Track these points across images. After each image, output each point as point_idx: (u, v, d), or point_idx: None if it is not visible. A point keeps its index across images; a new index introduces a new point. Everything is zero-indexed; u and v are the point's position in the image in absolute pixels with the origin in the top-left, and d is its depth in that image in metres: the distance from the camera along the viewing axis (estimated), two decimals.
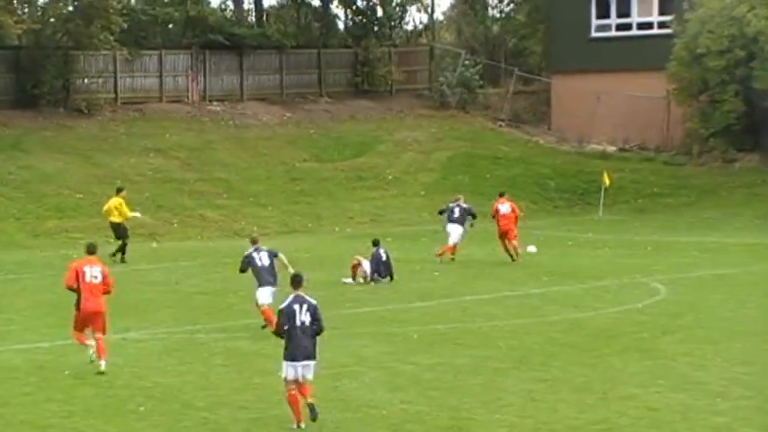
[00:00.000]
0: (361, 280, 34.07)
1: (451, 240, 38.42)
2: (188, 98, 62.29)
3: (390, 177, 57.51)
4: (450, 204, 39.49)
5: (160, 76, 61.97)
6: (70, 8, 58.39)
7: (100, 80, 59.97)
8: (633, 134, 62.16)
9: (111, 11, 57.34)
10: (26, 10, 58.70)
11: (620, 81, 61.34)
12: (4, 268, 38.48)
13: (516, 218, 38.60)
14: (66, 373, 21.77)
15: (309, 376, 18.66)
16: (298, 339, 18.58)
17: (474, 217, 38.99)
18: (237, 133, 59.49)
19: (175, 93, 62.21)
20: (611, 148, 62.10)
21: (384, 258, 34.52)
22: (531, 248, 39.18)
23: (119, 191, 40.85)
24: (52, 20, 58.39)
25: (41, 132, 54.94)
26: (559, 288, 32.04)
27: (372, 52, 66.87)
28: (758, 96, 56.20)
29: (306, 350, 18.62)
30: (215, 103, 62.79)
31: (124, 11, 59.62)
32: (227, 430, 17.95)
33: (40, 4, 59.52)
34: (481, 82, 67.57)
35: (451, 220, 38.68)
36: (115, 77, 60.74)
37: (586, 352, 23.68)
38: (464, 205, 39.35)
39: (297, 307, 18.73)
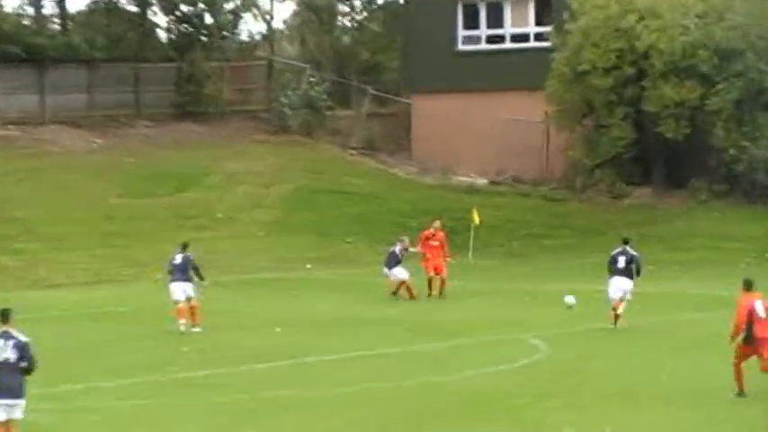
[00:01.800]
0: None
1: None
2: None
3: (221, 216, 57.21)
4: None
5: None
6: None
7: None
8: (507, 164, 62.75)
9: None
10: None
11: (492, 102, 61.94)
12: None
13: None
14: None
15: (17, 415, 20.16)
16: (1, 377, 20.06)
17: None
18: (37, 163, 58.64)
19: None
20: (482, 181, 62.60)
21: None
22: (570, 299, 36.62)
23: None
24: None
25: None
26: (421, 346, 32.01)
27: (200, 67, 66.59)
28: (650, 121, 57.12)
29: (10, 388, 20.03)
30: (9, 126, 61.86)
31: None
32: None
33: None
34: (329, 102, 67.72)
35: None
36: None
37: (452, 422, 23.64)
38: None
39: (1, 342, 20.21)
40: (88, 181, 58.01)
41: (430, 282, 42.53)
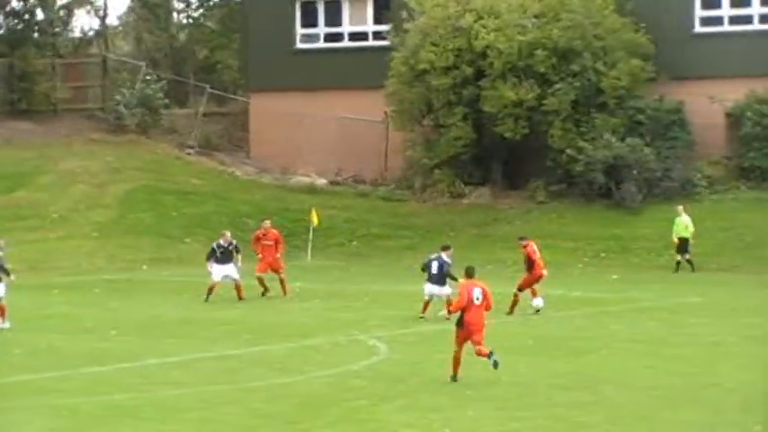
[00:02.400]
0: None
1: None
2: None
3: (55, 216, 56.64)
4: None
5: None
6: None
7: None
8: (346, 164, 62.97)
9: None
10: None
11: (331, 101, 62.09)
12: None
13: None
14: None
15: None
16: None
17: None
18: None
19: None
20: (321, 181, 62.73)
21: None
22: (538, 301, 38.17)
23: None
24: None
25: None
26: (262, 348, 32.04)
27: (31, 64, 65.83)
28: (489, 121, 57.68)
29: None
30: None
31: None
32: None
33: None
34: (166, 101, 67.34)
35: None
36: None
37: (291, 424, 23.70)
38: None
39: None
40: None
41: (261, 281, 42.54)
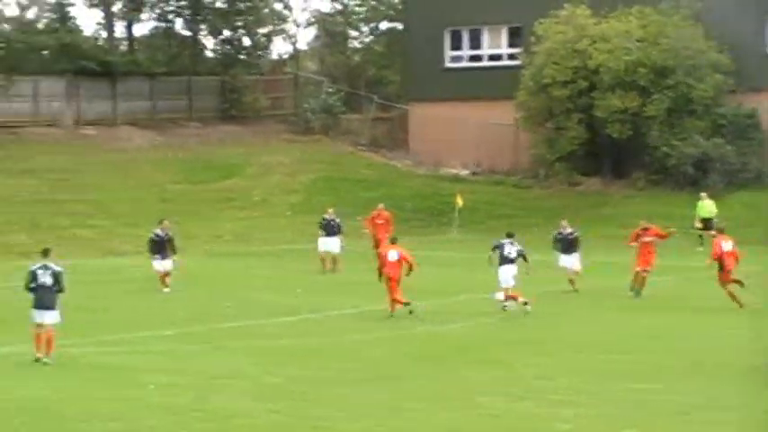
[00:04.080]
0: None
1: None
2: (62, 122, 61.45)
3: (257, 199, 57.39)
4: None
5: (35, 101, 61.07)
6: None
7: None
8: (484, 158, 62.89)
9: None
10: None
11: (472, 109, 62.01)
12: None
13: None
14: None
15: (51, 321, 23.63)
16: (43, 295, 23.57)
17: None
18: (111, 156, 58.83)
19: (50, 117, 61.36)
20: (464, 172, 62.74)
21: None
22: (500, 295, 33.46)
23: None
24: None
25: None
26: (418, 303, 32.25)
27: (239, 80, 66.76)
28: (599, 124, 57.36)
29: (47, 303, 23.67)
30: (88, 127, 62.03)
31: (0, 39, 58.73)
32: None
33: None
34: (343, 108, 67.82)
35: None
36: None
37: (441, 363, 23.89)
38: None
39: (42, 271, 23.73)
40: (150, 170, 58.16)
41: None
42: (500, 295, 31.35)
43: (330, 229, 41.03)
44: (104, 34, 70.34)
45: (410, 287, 35.16)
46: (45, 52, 63.99)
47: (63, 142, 59.52)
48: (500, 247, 31.62)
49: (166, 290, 34.89)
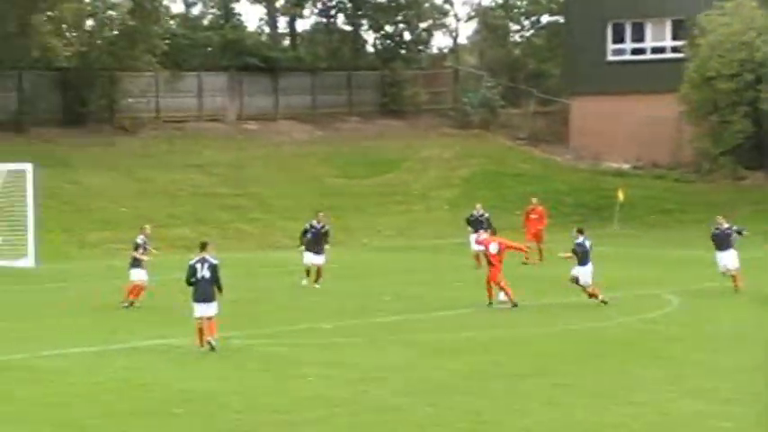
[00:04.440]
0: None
1: None
2: (225, 117, 62.47)
3: (416, 193, 57.47)
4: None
5: (199, 96, 62.20)
6: (115, 32, 58.72)
7: (143, 100, 60.22)
8: (646, 152, 61.93)
9: (154, 35, 57.69)
10: (74, 33, 59.02)
11: (635, 102, 61.15)
12: (52, 277, 38.60)
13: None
14: (108, 375, 21.76)
15: (212, 313, 24.12)
16: (202, 287, 24.06)
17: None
18: (271, 151, 59.57)
19: (214, 112, 62.43)
20: (625, 166, 61.91)
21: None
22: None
23: None
24: (99, 42, 58.70)
25: (88, 149, 55.17)
26: (578, 298, 31.86)
27: (399, 74, 66.93)
28: (766, 117, 55.97)
29: (207, 296, 24.15)
30: (250, 121, 62.92)
31: (166, 35, 59.95)
32: (257, 431, 17.89)
33: (87, 28, 59.85)
34: (502, 102, 67.50)
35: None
36: (157, 97, 61.01)
37: (603, 359, 23.55)
38: None
39: (200, 265, 24.19)
40: (311, 165, 58.71)
41: (540, 251, 41.62)
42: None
43: (478, 225, 40.72)
44: (267, 30, 71.31)
45: (567, 282, 34.71)
46: (209, 48, 65.16)
47: (226, 137, 60.48)
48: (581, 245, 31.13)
49: (305, 283, 34.53)
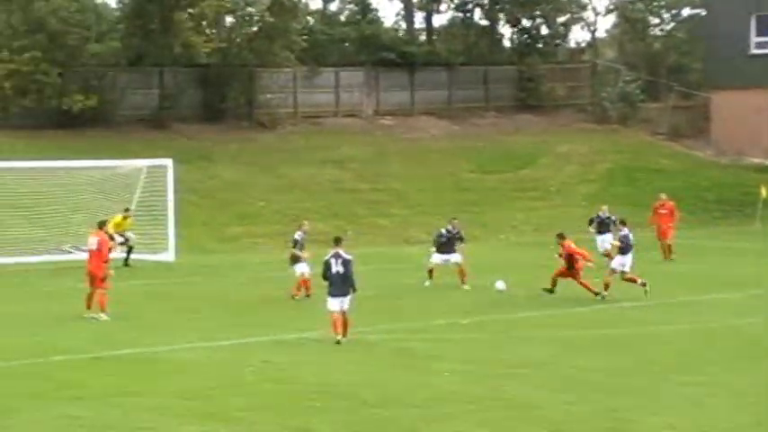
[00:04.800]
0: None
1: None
2: (362, 113, 62.81)
3: (552, 189, 57.04)
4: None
5: (336, 92, 62.64)
6: (255, 28, 59.46)
7: (281, 96, 60.85)
8: None
9: (293, 31, 58.28)
10: (214, 30, 59.91)
11: None
12: (191, 271, 39.24)
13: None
14: (248, 368, 22.03)
15: (346, 307, 24.47)
16: (337, 283, 24.42)
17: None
18: (408, 146, 59.70)
19: (350, 107, 62.82)
20: None
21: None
22: (500, 284, 32.88)
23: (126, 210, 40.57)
24: (238, 39, 59.49)
25: (227, 144, 55.95)
26: (718, 296, 31.37)
27: (536, 69, 66.51)
28: None
29: (342, 290, 24.47)
30: (387, 117, 63.16)
31: (304, 31, 60.50)
32: (397, 426, 17.94)
33: (227, 24, 60.71)
34: (642, 97, 66.65)
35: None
36: (295, 93, 61.58)
37: (744, 358, 23.11)
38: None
39: (334, 260, 24.51)
40: (447, 160, 58.66)
41: (663, 247, 41.14)
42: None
43: (605, 227, 40.52)
44: (404, 25, 71.48)
45: (710, 279, 34.16)
46: (346, 44, 65.56)
47: (363, 132, 60.79)
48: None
49: (428, 284, 34.28)
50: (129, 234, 40.30)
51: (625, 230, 32.63)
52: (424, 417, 18.34)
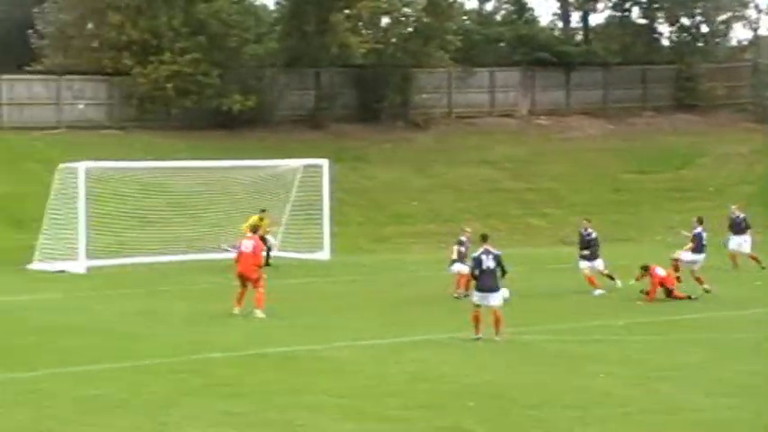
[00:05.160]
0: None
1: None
2: (517, 112, 62.62)
3: (711, 189, 56.05)
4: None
5: (491, 92, 62.55)
6: (410, 29, 59.73)
7: (436, 96, 61.01)
8: None
9: (448, 31, 58.40)
10: (370, 31, 60.36)
11: None
12: (346, 270, 39.58)
13: None
14: (401, 368, 22.13)
15: (497, 303, 24.70)
16: (487, 279, 24.59)
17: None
18: (563, 145, 59.32)
19: (505, 107, 62.67)
20: None
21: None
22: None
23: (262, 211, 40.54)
24: (393, 40, 59.83)
25: (382, 145, 56.34)
26: None
27: (696, 68, 65.41)
28: None
29: (492, 286, 24.67)
30: (542, 116, 62.85)
31: (459, 31, 60.56)
32: (552, 428, 17.83)
33: (382, 25, 61.11)
34: None
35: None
36: (450, 93, 61.69)
37: None
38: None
39: (485, 256, 24.68)
40: (603, 160, 58.12)
41: None
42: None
43: (739, 228, 39.40)
44: (560, 25, 71.02)
45: None
46: (502, 44, 65.41)
47: (517, 132, 60.59)
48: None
49: (598, 291, 33.75)
50: (268, 237, 40.18)
51: (699, 229, 32.85)
52: (581, 419, 18.17)
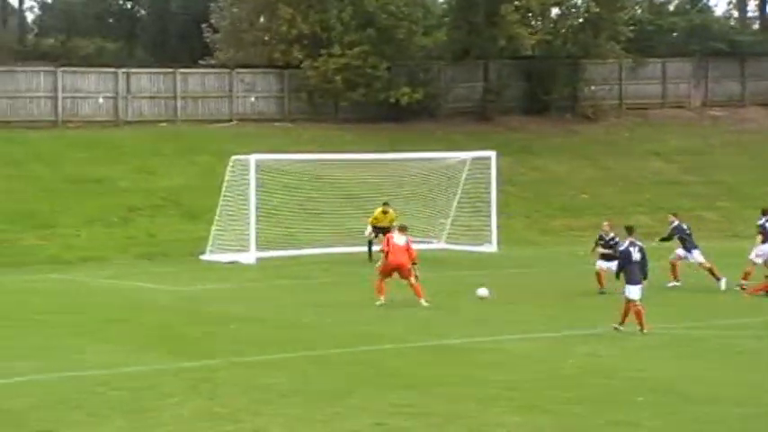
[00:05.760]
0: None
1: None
2: (689, 104, 61.68)
3: None
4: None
5: (663, 83, 61.75)
6: (580, 20, 59.37)
7: (606, 87, 60.50)
8: None
9: (619, 22, 57.88)
10: (540, 22, 60.16)
11: None
12: (514, 263, 39.58)
13: None
14: (570, 361, 22.10)
15: (636, 296, 24.64)
16: (635, 271, 24.69)
17: None
18: (737, 137, 58.23)
19: (677, 99, 61.81)
20: None
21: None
22: (483, 291, 30.51)
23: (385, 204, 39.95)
24: (563, 31, 59.53)
25: (550, 137, 56.11)
26: None
27: None
28: None
29: (637, 279, 24.76)
30: (716, 108, 61.79)
31: (631, 21, 59.96)
32: (720, 424, 17.63)
33: (552, 16, 60.84)
34: None
35: None
36: (620, 85, 61.12)
37: None
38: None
39: (633, 249, 24.94)
40: None
41: None
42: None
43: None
44: (736, 14, 69.71)
45: None
46: (675, 34, 64.52)
47: (690, 123, 59.69)
48: None
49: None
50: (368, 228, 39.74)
51: (678, 223, 33.56)
52: (756, 416, 17.92)
